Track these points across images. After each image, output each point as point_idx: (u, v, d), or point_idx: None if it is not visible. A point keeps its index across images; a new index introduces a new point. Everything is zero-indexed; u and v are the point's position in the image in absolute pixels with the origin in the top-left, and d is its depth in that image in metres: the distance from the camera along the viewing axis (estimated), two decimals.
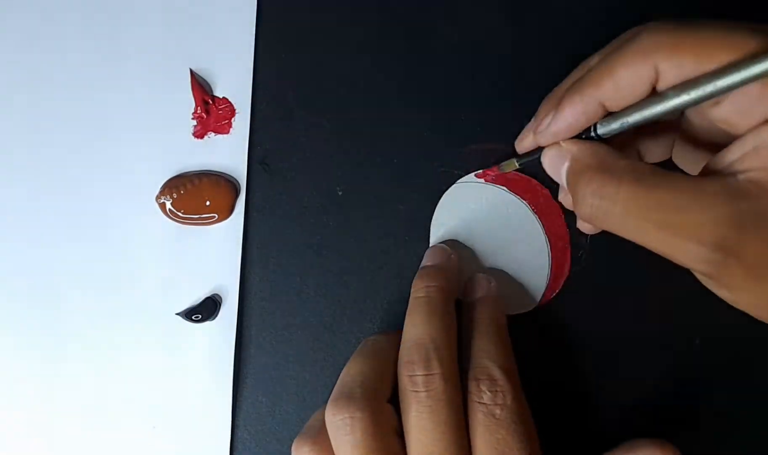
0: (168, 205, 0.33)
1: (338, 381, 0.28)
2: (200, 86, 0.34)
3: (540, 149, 0.28)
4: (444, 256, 0.32)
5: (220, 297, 0.33)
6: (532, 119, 0.29)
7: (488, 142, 0.33)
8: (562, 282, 0.33)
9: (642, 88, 0.23)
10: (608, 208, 0.23)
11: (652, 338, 0.32)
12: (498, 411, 0.26)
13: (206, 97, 0.34)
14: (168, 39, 0.34)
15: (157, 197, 0.33)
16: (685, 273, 0.23)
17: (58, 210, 0.34)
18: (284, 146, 0.34)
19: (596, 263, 0.33)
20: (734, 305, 0.23)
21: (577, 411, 0.32)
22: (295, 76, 0.34)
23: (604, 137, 0.25)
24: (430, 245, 0.33)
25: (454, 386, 0.27)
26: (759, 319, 0.23)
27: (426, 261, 0.32)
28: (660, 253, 0.23)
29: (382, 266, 0.33)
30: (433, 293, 0.29)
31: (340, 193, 0.33)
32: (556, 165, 0.26)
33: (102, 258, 0.34)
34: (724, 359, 0.32)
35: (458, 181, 0.33)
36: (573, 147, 0.25)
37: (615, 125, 0.24)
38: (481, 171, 0.33)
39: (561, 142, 0.26)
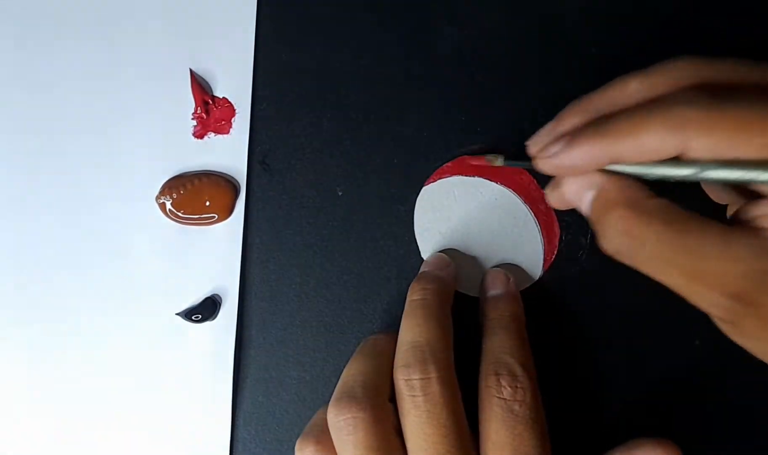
0: (168, 205, 0.33)
1: (340, 381, 0.28)
2: (200, 86, 0.33)
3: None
4: (442, 263, 0.32)
5: (220, 297, 0.33)
6: (555, 120, 0.27)
7: (488, 142, 0.33)
8: (556, 242, 0.32)
9: (665, 155, 0.23)
10: (636, 248, 0.23)
11: (652, 339, 0.32)
12: (517, 408, 0.26)
13: (206, 97, 0.34)
14: (168, 39, 0.34)
15: (157, 197, 0.33)
16: None
17: (58, 210, 0.34)
18: (284, 146, 0.34)
19: (596, 262, 0.33)
20: (749, 351, 0.24)
21: (577, 411, 0.32)
22: (295, 76, 0.34)
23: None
24: (419, 247, 0.33)
25: (451, 389, 0.27)
26: None
27: (424, 267, 0.32)
28: (679, 294, 0.23)
29: (382, 266, 0.33)
30: (429, 296, 0.29)
31: (340, 193, 0.33)
32: (578, 192, 0.26)
33: (102, 258, 0.34)
34: (724, 359, 0.32)
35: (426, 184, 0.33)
36: (600, 179, 0.25)
37: (629, 169, 0.24)
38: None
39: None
